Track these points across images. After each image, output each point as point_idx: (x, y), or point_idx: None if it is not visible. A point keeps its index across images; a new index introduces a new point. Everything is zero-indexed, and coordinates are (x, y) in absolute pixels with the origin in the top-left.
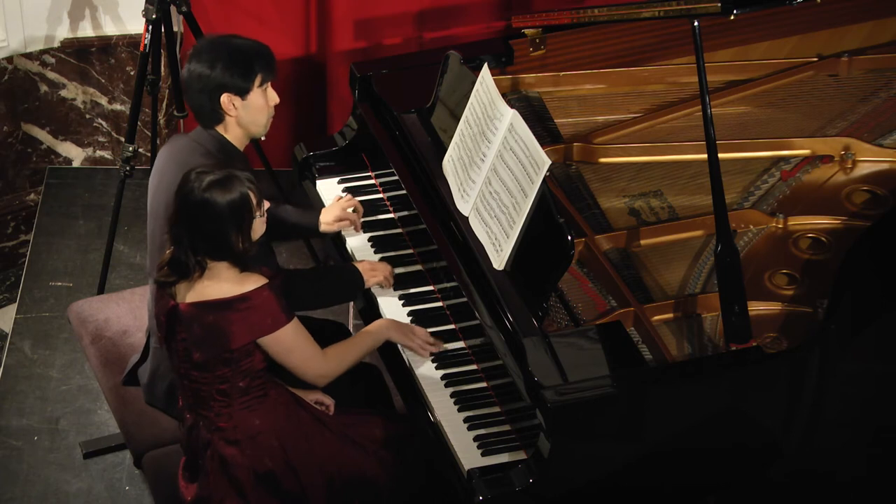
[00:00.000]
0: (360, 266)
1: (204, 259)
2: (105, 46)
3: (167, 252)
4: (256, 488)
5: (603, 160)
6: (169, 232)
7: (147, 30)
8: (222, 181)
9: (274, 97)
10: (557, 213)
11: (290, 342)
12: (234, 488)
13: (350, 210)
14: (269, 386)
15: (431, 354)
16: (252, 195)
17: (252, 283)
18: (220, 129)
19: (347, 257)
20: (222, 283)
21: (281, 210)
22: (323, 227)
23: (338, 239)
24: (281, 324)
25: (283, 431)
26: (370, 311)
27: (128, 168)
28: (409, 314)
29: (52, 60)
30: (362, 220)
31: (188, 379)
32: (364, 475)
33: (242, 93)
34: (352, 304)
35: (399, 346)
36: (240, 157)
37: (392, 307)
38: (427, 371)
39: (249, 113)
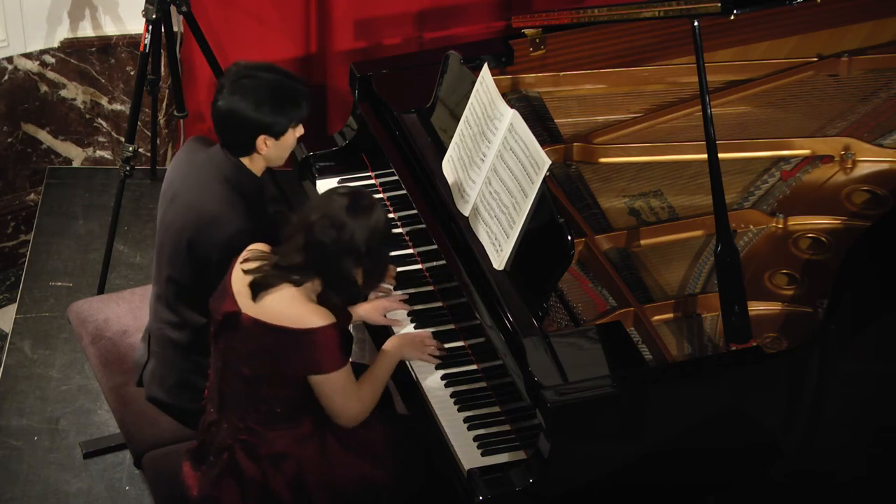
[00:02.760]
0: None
1: (313, 277)
2: (105, 46)
3: (291, 248)
4: (262, 500)
5: (603, 160)
6: (304, 237)
7: (147, 30)
8: (373, 205)
9: (300, 130)
10: (557, 213)
11: (337, 385)
12: (240, 495)
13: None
14: (304, 415)
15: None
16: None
17: (320, 318)
18: (244, 159)
19: None
20: (291, 304)
21: None
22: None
23: None
24: (336, 366)
25: (307, 458)
26: None
27: (128, 168)
28: (409, 314)
29: (52, 60)
30: None
31: (229, 387)
32: (364, 476)
33: (278, 135)
34: None
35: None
36: (256, 185)
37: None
38: (427, 371)
39: (278, 150)
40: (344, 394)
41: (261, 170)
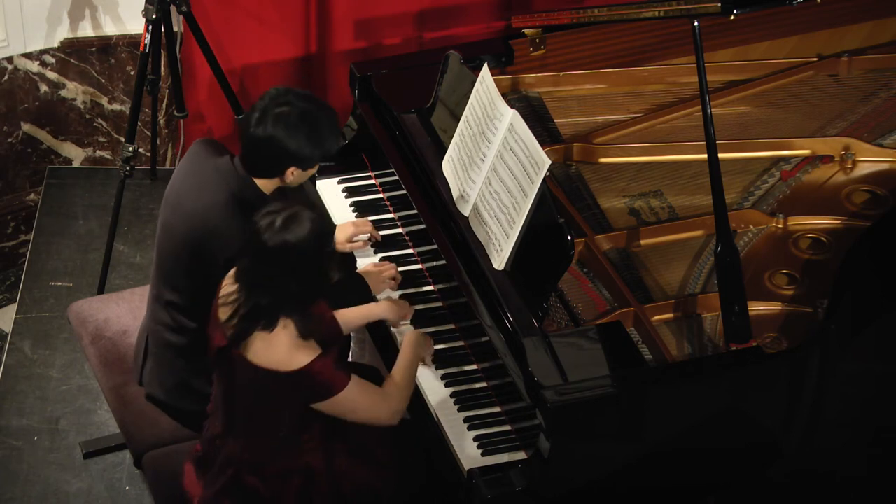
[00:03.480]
0: (366, 276)
1: (281, 315)
2: (105, 46)
3: (235, 302)
4: None
5: (603, 160)
6: (241, 282)
7: (147, 30)
8: (293, 217)
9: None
10: (557, 213)
11: (350, 399)
12: None
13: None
14: (310, 430)
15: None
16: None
17: (305, 355)
18: (260, 180)
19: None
20: (272, 350)
21: None
22: (337, 247)
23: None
24: (338, 389)
25: (314, 469)
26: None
27: (128, 168)
28: None
29: (52, 60)
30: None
31: (233, 407)
32: (364, 476)
33: (307, 167)
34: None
35: (397, 343)
36: (262, 200)
37: None
38: (427, 371)
39: (299, 179)
40: (363, 404)
41: (271, 190)
